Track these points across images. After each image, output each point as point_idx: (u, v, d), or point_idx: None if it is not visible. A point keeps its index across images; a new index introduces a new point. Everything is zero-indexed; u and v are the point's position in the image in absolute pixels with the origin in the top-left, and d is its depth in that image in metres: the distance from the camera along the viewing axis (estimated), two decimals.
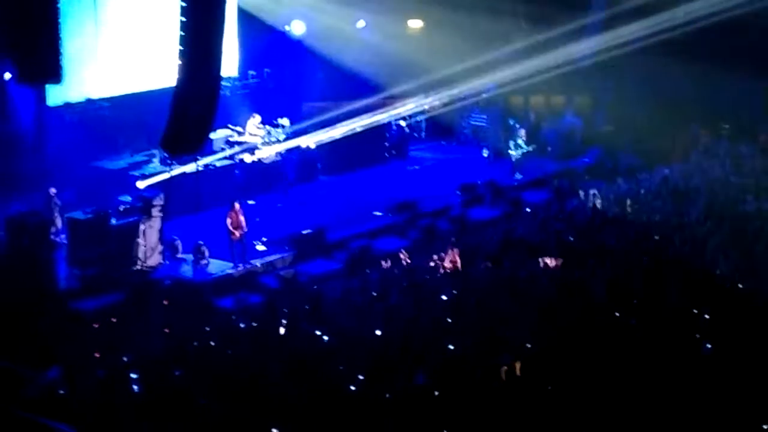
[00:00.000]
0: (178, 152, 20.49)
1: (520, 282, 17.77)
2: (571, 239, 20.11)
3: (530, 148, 26.84)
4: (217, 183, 23.33)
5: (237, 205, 20.49)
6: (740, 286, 17.01)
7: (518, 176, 26.55)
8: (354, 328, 15.64)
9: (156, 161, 23.49)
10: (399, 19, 29.72)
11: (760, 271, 17.69)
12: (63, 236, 20.04)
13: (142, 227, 19.89)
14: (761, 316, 15.67)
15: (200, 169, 22.94)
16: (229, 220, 20.18)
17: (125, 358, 14.59)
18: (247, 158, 24.56)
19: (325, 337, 15.37)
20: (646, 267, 18.26)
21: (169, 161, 22.41)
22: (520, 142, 26.83)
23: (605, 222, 21.32)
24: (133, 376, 13.91)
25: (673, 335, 15.01)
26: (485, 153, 28.32)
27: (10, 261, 18.49)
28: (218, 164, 23.87)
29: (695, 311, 15.84)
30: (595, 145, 28.71)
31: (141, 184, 22.14)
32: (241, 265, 20.20)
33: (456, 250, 19.49)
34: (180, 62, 17.86)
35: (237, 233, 20.16)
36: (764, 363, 13.85)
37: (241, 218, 20.30)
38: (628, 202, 22.63)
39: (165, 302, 17.93)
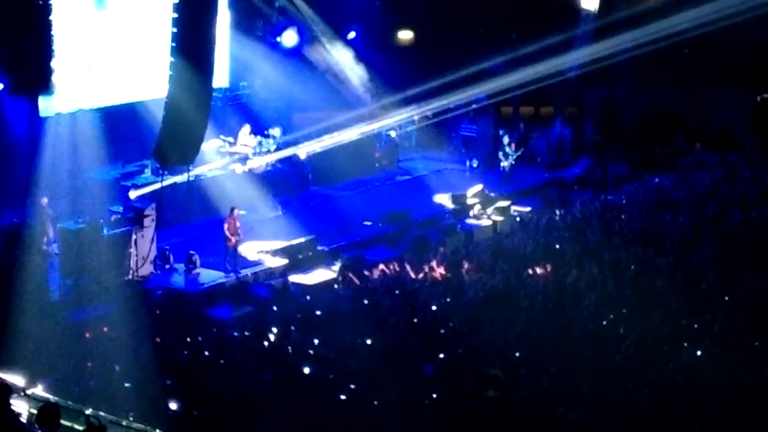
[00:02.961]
0: (169, 163, 20.59)
1: (511, 291, 17.89)
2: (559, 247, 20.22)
3: (519, 153, 27.12)
4: (209, 193, 23.40)
5: (236, 212, 20.53)
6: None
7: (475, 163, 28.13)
8: (344, 337, 15.73)
9: (148, 171, 23.55)
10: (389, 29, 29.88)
11: (746, 282, 17.81)
12: (55, 246, 20.07)
13: (133, 237, 19.95)
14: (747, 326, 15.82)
15: (192, 179, 23.01)
16: (226, 226, 20.19)
17: (117, 368, 14.66)
18: (239, 168, 24.66)
19: (316, 345, 15.48)
20: (635, 275, 18.40)
21: (160, 172, 22.47)
22: (508, 150, 27.05)
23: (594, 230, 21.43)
24: (126, 385, 13.99)
25: (660, 343, 15.15)
26: (475, 163, 28.46)
27: (2, 271, 18.51)
28: (209, 174, 23.95)
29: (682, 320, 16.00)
30: (585, 155, 28.87)
31: (133, 194, 22.20)
32: (232, 274, 20.27)
33: (446, 260, 19.60)
34: (172, 73, 17.97)
35: (233, 239, 20.21)
36: (748, 373, 14.00)
37: (238, 225, 20.36)
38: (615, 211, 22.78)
39: (156, 312, 18.00)
